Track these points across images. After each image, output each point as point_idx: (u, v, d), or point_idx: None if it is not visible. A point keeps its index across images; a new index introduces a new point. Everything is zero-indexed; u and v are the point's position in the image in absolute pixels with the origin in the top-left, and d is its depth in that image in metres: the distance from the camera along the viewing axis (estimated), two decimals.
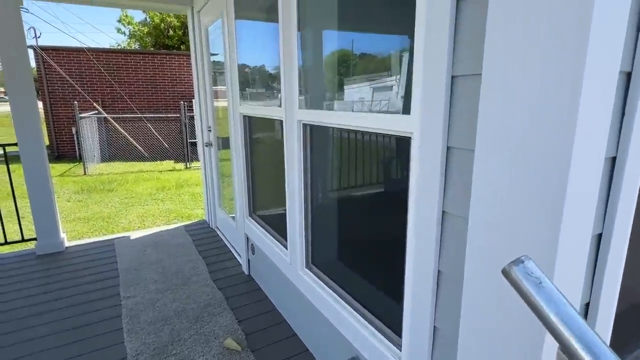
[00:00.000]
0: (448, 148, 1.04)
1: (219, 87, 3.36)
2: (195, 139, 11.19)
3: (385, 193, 1.52)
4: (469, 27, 0.93)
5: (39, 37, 10.37)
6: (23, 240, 3.51)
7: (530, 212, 0.76)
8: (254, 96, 2.53)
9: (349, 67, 1.56)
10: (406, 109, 1.17)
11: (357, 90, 1.52)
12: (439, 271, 1.12)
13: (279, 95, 1.98)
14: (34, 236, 3.41)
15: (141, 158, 11.29)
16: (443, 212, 1.08)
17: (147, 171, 9.92)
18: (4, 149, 3.23)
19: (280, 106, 1.97)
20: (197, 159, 11.08)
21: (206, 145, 3.71)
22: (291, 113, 1.85)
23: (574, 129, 0.67)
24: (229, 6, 2.48)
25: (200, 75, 3.62)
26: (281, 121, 1.98)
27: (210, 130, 3.63)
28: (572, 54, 0.66)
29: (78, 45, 12.11)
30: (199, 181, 8.77)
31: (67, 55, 10.82)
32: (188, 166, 10.45)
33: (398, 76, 1.29)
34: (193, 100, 11.91)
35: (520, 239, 0.78)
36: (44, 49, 10.47)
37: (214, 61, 3.41)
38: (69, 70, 10.86)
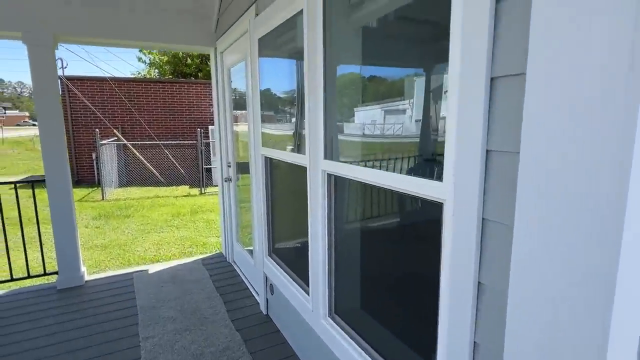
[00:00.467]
0: (483, 220, 1.03)
1: (239, 111, 3.42)
2: (211, 164, 11.39)
3: (414, 248, 1.51)
4: (504, 104, 0.94)
5: (66, 67, 10.82)
6: (45, 274, 3.56)
7: (573, 299, 0.74)
8: (275, 137, 2.58)
9: (374, 125, 1.59)
10: (438, 175, 1.17)
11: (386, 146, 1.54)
12: (474, 343, 1.09)
13: (300, 130, 2.01)
14: (55, 269, 3.46)
15: (157, 183, 11.49)
16: (479, 283, 1.06)
17: (162, 197, 10.07)
18: (33, 185, 3.33)
19: (304, 154, 2.00)
20: (211, 185, 11.22)
21: (225, 181, 3.76)
22: (316, 162, 1.88)
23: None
24: (252, 52, 2.57)
25: (222, 113, 3.71)
26: (305, 168, 2.00)
27: (229, 166, 3.69)
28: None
29: (101, 73, 12.60)
30: (214, 207, 8.84)
31: (91, 85, 11.27)
32: (203, 192, 10.57)
33: (432, 139, 1.31)
34: (209, 127, 12.15)
35: (567, 338, 0.76)
36: (70, 78, 10.93)
37: (235, 97, 3.51)
38: (92, 98, 11.29)
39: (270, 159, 2.61)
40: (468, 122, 1.01)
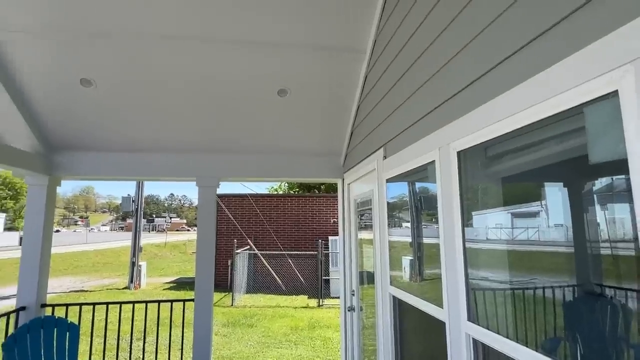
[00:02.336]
0: None
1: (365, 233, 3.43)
2: (329, 276, 11.52)
3: None
4: None
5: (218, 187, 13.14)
6: None
7: None
8: (405, 277, 2.46)
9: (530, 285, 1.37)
10: None
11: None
12: None
13: (428, 272, 1.85)
14: None
15: (279, 291, 11.99)
16: None
17: (283, 306, 10.33)
18: (184, 304, 3.79)
19: (441, 307, 1.82)
20: (329, 296, 11.15)
21: (348, 310, 3.66)
22: (457, 322, 1.67)
23: None
24: (380, 192, 2.67)
25: (347, 243, 3.82)
26: (443, 323, 1.79)
27: (353, 294, 3.62)
28: None
29: (243, 189, 14.78)
30: (331, 322, 8.62)
31: (234, 200, 13.30)
32: (321, 304, 10.52)
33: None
34: (329, 237, 12.58)
35: None
36: (220, 196, 13.16)
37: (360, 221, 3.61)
38: (234, 212, 13.18)
39: (399, 299, 2.46)
40: None
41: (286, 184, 22.37)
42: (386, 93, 2.61)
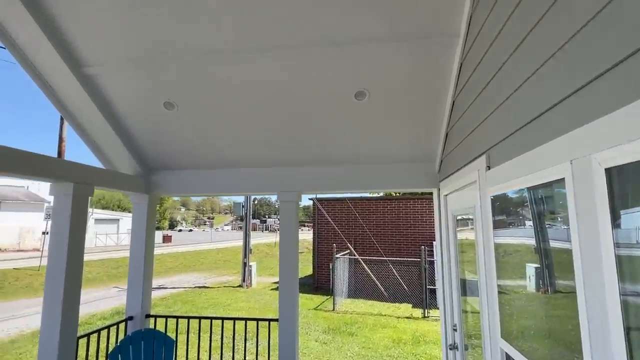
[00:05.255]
0: None
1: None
2: (434, 285, 10.57)
3: None
4: None
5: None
6: None
7: None
8: (518, 318, 1.81)
9: None
10: None
11: None
12: None
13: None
14: None
15: (380, 297, 11.50)
16: None
17: (385, 315, 9.83)
18: (269, 324, 3.68)
19: None
20: (435, 306, 10.24)
21: (450, 349, 3.04)
22: None
23: None
24: (484, 211, 2.06)
25: (446, 265, 3.22)
26: None
27: (455, 330, 3.00)
28: None
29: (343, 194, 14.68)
30: (437, 338, 7.83)
31: (333, 205, 13.28)
32: (426, 315, 9.70)
33: None
34: (434, 242, 11.63)
35: None
36: (319, 200, 13.29)
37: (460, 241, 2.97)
38: (334, 215, 13.16)
39: None
40: None
41: None
42: (488, 82, 1.99)
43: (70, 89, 2.95)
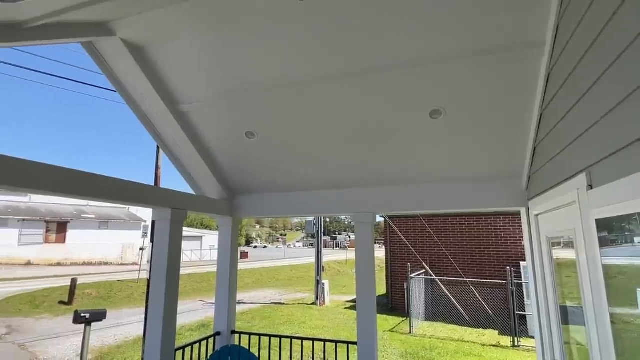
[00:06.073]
0: None
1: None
2: (524, 311, 9.56)
3: None
4: None
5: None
6: None
7: None
8: None
9: None
10: None
11: None
12: None
13: None
14: None
15: (462, 321, 10.73)
16: None
17: (468, 342, 9.12)
18: (348, 347, 3.65)
19: None
20: (526, 335, 9.24)
21: None
22: None
23: None
24: (587, 236, 1.83)
25: (540, 285, 2.91)
26: None
27: None
28: None
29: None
30: None
31: (405, 222, 12.89)
32: (516, 343, 8.79)
33: None
34: (521, 263, 10.62)
35: None
36: (390, 217, 13.01)
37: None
38: (406, 233, 12.76)
39: None
40: None
41: None
42: (587, 91, 1.81)
43: (167, 125, 3.35)
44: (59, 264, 26.57)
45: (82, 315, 6.59)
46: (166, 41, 2.72)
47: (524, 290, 9.78)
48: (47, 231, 27.69)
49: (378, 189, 3.64)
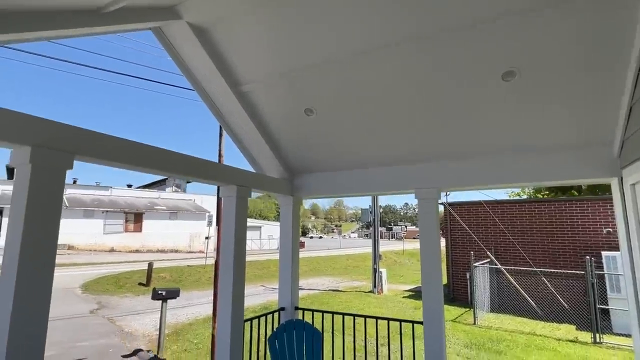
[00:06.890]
0: None
1: None
2: (607, 304, 8.65)
3: None
4: None
5: (448, 195, 12.49)
6: None
7: None
8: None
9: None
10: None
11: None
12: None
13: None
14: None
15: (533, 314, 10.00)
16: None
17: (540, 335, 8.48)
18: (413, 326, 3.55)
19: None
20: (610, 332, 8.37)
21: None
22: None
23: None
24: None
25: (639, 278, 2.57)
26: None
27: None
28: None
29: (478, 196, 13.46)
30: None
31: (468, 209, 12.26)
32: (598, 340, 8.00)
33: None
34: (603, 252, 9.66)
35: None
36: (451, 204, 12.47)
37: None
38: (468, 221, 12.14)
39: None
40: None
41: (532, 189, 18.97)
42: None
43: (230, 105, 3.47)
44: (137, 251, 29.47)
45: (159, 292, 7.23)
46: (228, 23, 2.80)
47: (607, 282, 8.85)
48: (126, 221, 30.76)
49: (443, 163, 3.46)
